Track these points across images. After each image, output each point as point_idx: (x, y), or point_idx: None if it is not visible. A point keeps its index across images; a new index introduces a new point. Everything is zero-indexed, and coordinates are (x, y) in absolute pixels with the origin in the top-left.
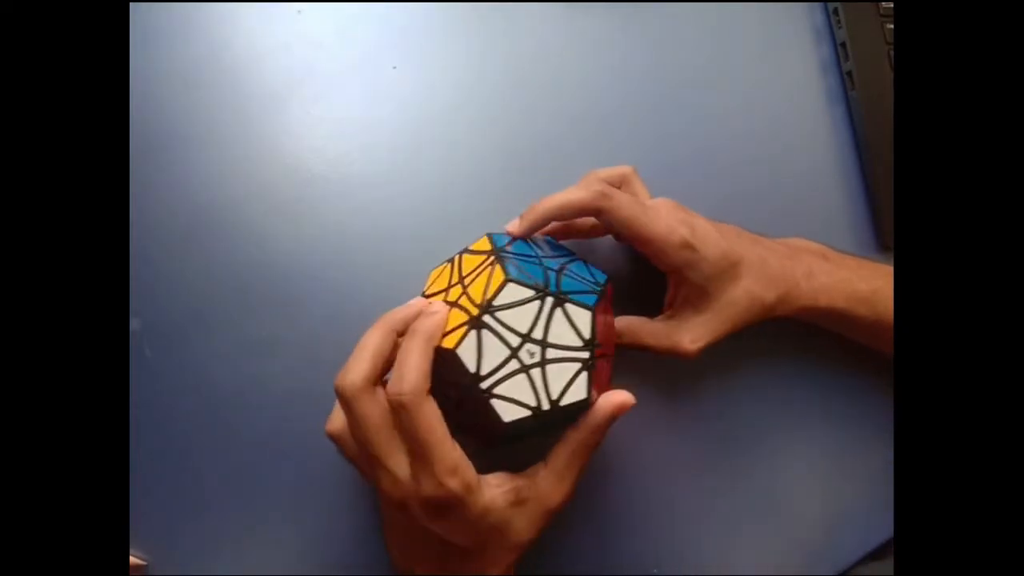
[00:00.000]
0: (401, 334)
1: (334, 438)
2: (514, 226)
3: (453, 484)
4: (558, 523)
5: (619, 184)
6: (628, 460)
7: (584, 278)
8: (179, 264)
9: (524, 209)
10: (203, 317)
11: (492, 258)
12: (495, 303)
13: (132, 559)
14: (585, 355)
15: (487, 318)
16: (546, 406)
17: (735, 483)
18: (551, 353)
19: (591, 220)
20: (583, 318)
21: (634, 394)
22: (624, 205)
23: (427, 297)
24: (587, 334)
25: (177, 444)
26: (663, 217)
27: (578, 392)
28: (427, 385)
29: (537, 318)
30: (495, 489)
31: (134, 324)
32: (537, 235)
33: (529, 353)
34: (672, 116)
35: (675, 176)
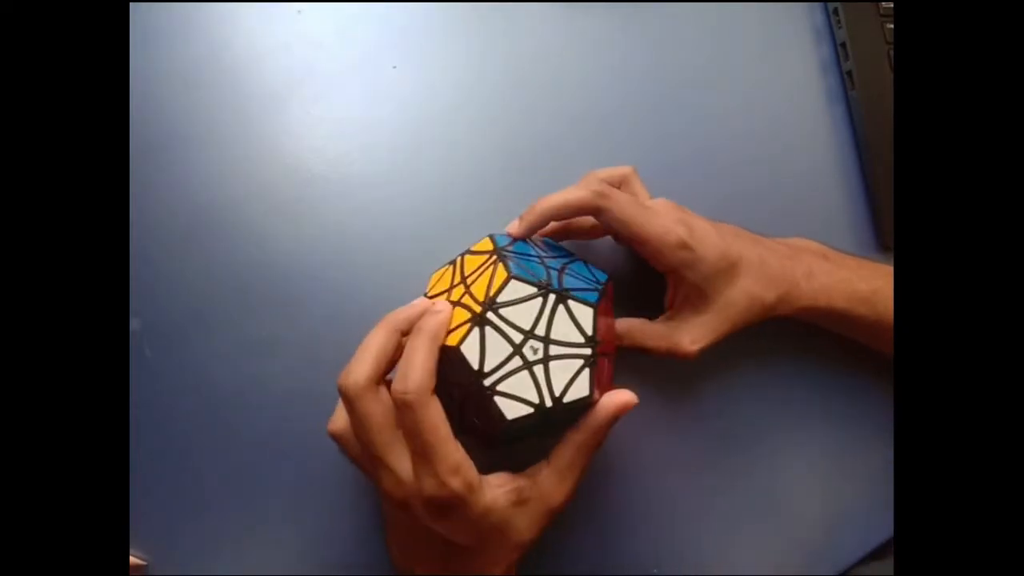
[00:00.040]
0: (405, 334)
1: (336, 438)
2: (514, 227)
3: (455, 484)
4: (559, 523)
5: (619, 184)
6: (628, 460)
7: (585, 277)
8: (179, 264)
9: (524, 209)
10: (203, 317)
11: (494, 257)
12: (498, 300)
13: (132, 559)
14: (587, 351)
15: (490, 315)
16: (549, 403)
17: (735, 483)
18: (554, 350)
19: (590, 220)
20: (585, 315)
21: (635, 394)
22: (621, 205)
23: (429, 298)
24: (589, 330)
25: (177, 444)
26: (660, 217)
27: (581, 389)
28: (432, 384)
29: (540, 315)
30: (497, 489)
31: (134, 324)
32: (536, 237)
33: (532, 350)
34: (672, 116)
35: (675, 176)
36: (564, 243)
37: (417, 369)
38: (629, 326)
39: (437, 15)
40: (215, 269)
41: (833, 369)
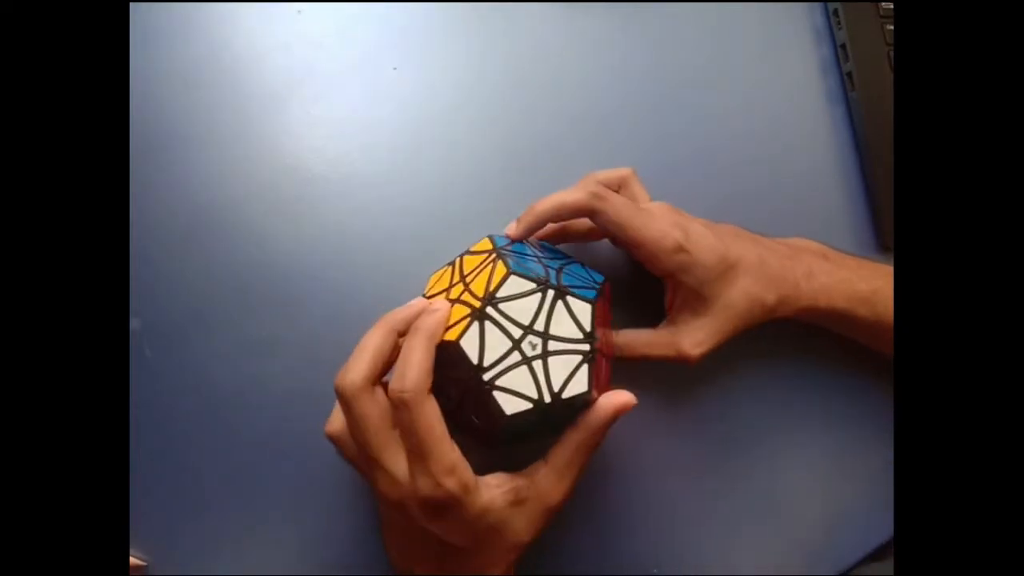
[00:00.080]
0: (402, 334)
1: (333, 439)
2: (512, 229)
3: (450, 484)
4: (558, 523)
5: (618, 186)
6: (628, 460)
7: (583, 277)
8: (179, 264)
9: (523, 210)
10: (203, 317)
11: (493, 255)
12: (498, 295)
13: (132, 559)
14: (586, 348)
15: (490, 310)
16: (548, 399)
17: (735, 483)
18: (552, 345)
19: (587, 222)
20: (584, 311)
21: (634, 395)
22: (617, 208)
23: (428, 299)
24: (588, 327)
25: (177, 444)
26: (656, 221)
27: (579, 385)
28: (429, 383)
29: (539, 310)
30: (494, 490)
31: (134, 324)
32: (533, 240)
33: (531, 345)
34: (672, 116)
35: (675, 176)
36: (563, 247)
37: (414, 368)
38: (629, 337)
39: (437, 15)
40: (215, 269)
41: (833, 370)
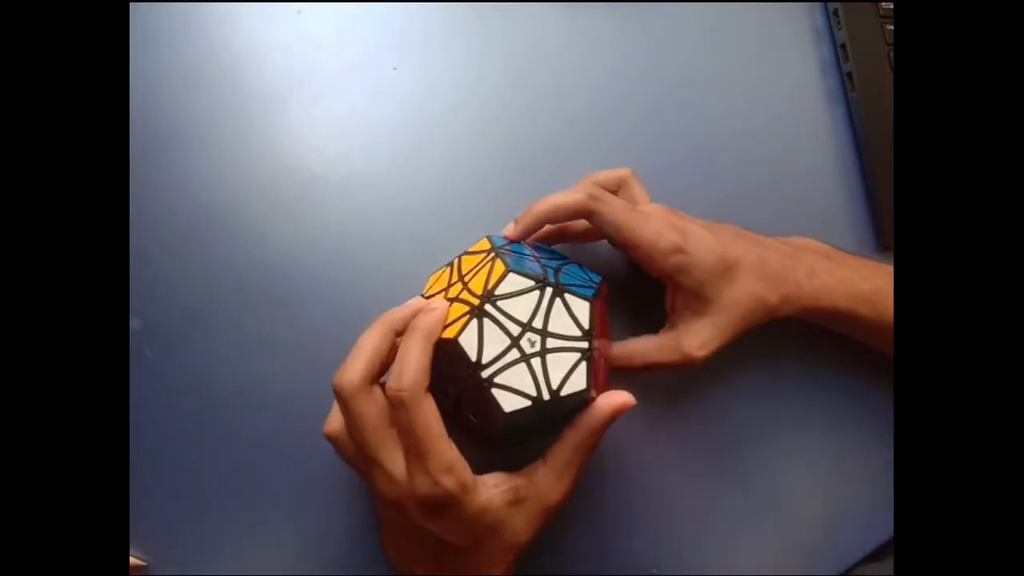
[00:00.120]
0: (399, 333)
1: (332, 439)
2: (509, 230)
3: (448, 483)
4: (558, 523)
5: (617, 187)
6: (628, 460)
7: (581, 276)
8: (179, 264)
9: (522, 211)
10: (203, 317)
11: (492, 254)
12: (496, 292)
13: (132, 559)
14: (584, 345)
15: (488, 307)
16: (546, 396)
17: (735, 483)
18: (551, 343)
19: (584, 223)
20: (582, 309)
21: (633, 394)
22: (613, 209)
23: (426, 299)
24: (586, 324)
25: (177, 444)
26: (653, 222)
27: (578, 382)
28: (426, 381)
29: (537, 308)
30: (492, 489)
31: (134, 324)
32: (531, 242)
33: (530, 342)
34: (672, 116)
35: (675, 176)
36: (561, 249)
37: (411, 367)
38: (632, 347)
39: (437, 15)
40: (215, 269)
41: (833, 370)
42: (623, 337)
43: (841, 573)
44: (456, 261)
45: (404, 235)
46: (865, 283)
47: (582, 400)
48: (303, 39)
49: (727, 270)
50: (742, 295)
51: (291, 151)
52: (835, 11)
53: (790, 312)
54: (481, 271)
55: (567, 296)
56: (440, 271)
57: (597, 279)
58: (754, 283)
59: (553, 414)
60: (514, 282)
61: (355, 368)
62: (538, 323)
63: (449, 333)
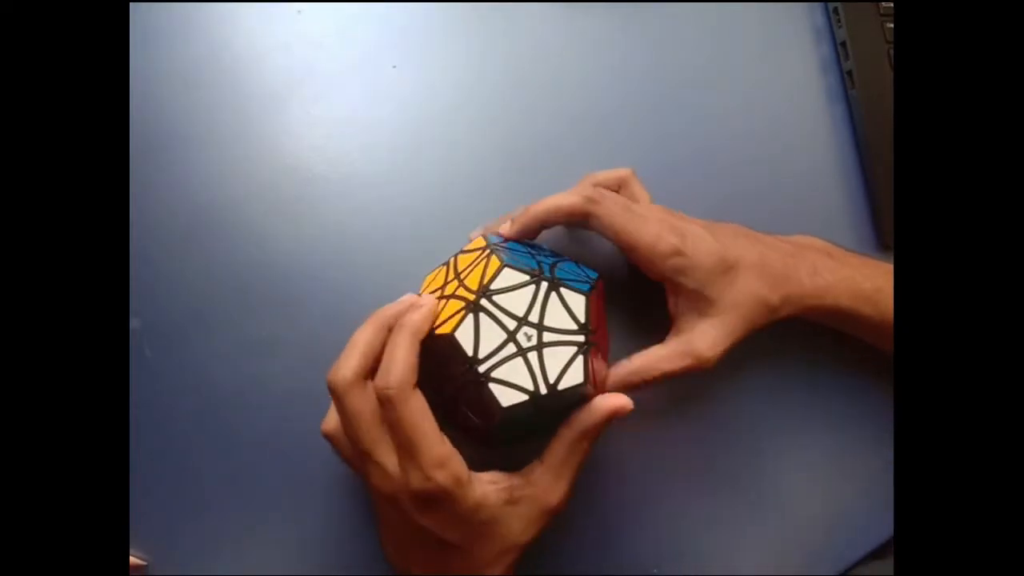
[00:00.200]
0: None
1: (329, 437)
2: (505, 228)
3: (441, 477)
4: (558, 523)
5: (617, 187)
6: (628, 460)
7: (576, 272)
8: (179, 264)
9: (519, 210)
10: (203, 317)
11: (487, 251)
12: (492, 287)
13: (132, 559)
14: (581, 339)
15: (484, 302)
16: (544, 390)
17: (735, 483)
18: (547, 336)
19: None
20: (578, 303)
21: (632, 396)
22: (611, 211)
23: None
24: (582, 318)
25: (177, 444)
26: (651, 225)
27: (575, 376)
28: (414, 378)
29: (533, 302)
30: (488, 486)
31: (134, 324)
32: (526, 241)
33: (526, 336)
34: (672, 116)
35: (675, 176)
36: (558, 247)
37: (398, 364)
38: (642, 360)
39: (437, 15)
40: (215, 269)
41: (833, 370)
42: (622, 337)
43: (841, 573)
44: (452, 260)
45: (404, 235)
46: (867, 282)
47: (580, 394)
48: (303, 39)
49: (727, 270)
50: (744, 294)
51: (291, 151)
52: (835, 10)
53: (792, 311)
54: (476, 267)
55: (563, 290)
56: (436, 270)
57: (593, 275)
58: (755, 282)
59: (551, 409)
60: (509, 277)
61: (348, 365)
62: (534, 317)
63: (445, 329)
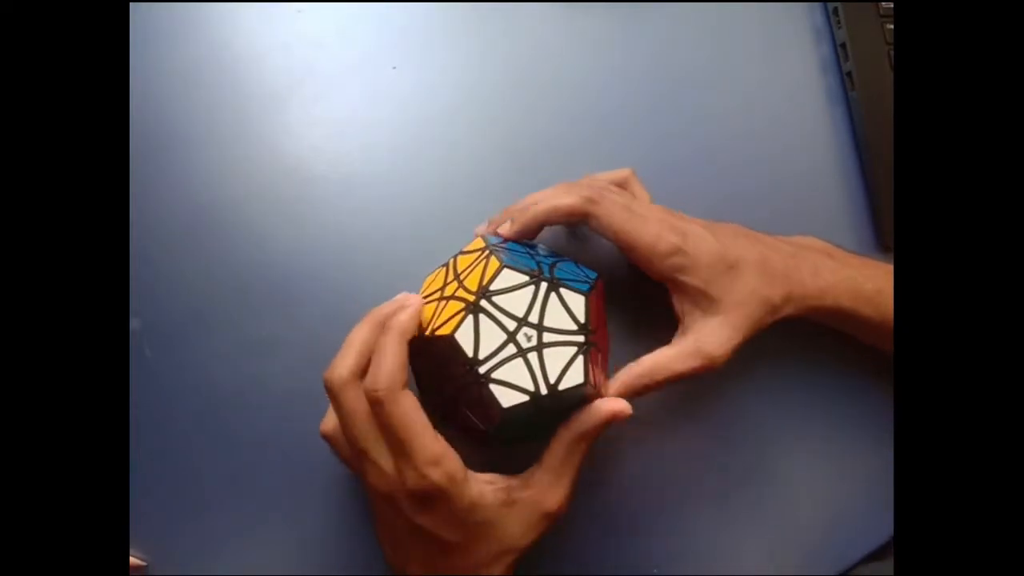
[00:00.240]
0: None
1: (328, 438)
2: (505, 228)
3: (435, 475)
4: (558, 522)
5: (618, 187)
6: (628, 460)
7: (576, 272)
8: (179, 264)
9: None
10: (203, 317)
11: (486, 252)
12: (491, 288)
13: (132, 559)
14: (580, 339)
15: (484, 303)
16: (544, 391)
17: (735, 483)
18: (547, 337)
19: None
20: (578, 303)
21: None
22: (611, 211)
23: (422, 298)
24: (582, 318)
25: (177, 444)
26: (651, 224)
27: (575, 376)
28: (403, 378)
29: (533, 302)
30: (485, 485)
31: (134, 324)
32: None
33: (526, 337)
34: (672, 116)
35: (675, 176)
36: (557, 247)
37: (385, 365)
38: (652, 361)
39: (437, 15)
40: (215, 269)
41: (834, 370)
42: (622, 337)
43: (841, 573)
44: (452, 261)
45: (404, 235)
46: (868, 283)
47: (580, 394)
48: (303, 39)
49: (729, 269)
50: (747, 293)
51: (291, 151)
52: (835, 10)
53: (793, 311)
54: (476, 268)
55: (562, 291)
56: (436, 272)
57: (593, 275)
58: (757, 281)
59: (551, 409)
60: (509, 278)
61: (344, 364)
62: (534, 318)
63: (445, 330)
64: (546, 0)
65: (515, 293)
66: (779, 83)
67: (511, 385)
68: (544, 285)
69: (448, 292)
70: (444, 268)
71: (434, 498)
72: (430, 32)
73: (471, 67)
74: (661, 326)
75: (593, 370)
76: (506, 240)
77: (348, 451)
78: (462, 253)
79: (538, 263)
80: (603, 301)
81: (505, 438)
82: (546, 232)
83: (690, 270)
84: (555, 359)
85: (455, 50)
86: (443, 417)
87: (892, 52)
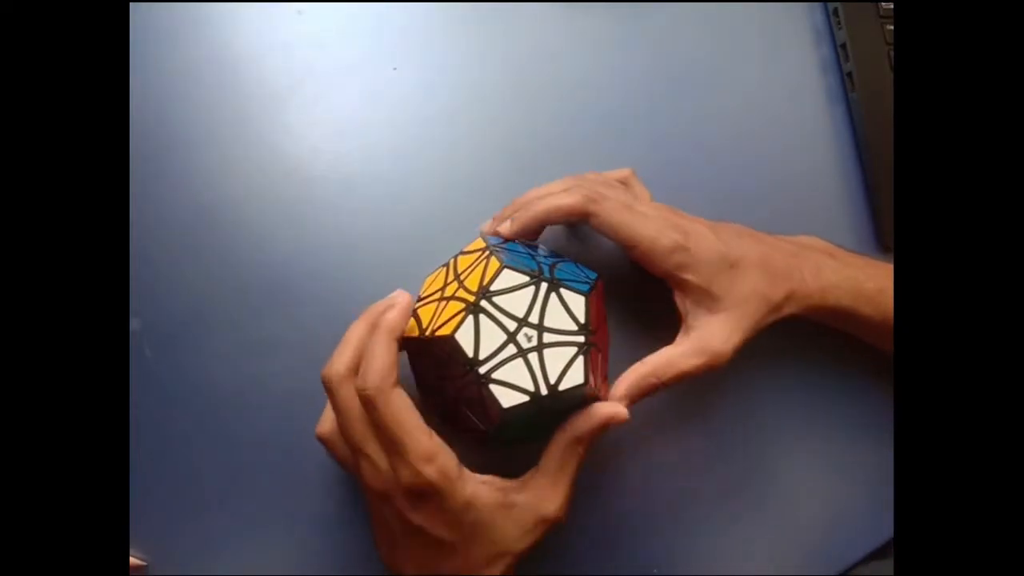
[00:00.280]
0: None
1: (323, 440)
2: (505, 227)
3: (429, 471)
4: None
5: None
6: (628, 459)
7: (576, 272)
8: (179, 264)
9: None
10: (203, 317)
11: (487, 252)
12: (491, 288)
13: (132, 559)
14: (581, 339)
15: (484, 303)
16: (544, 391)
17: (735, 483)
18: (548, 337)
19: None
20: (578, 303)
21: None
22: (612, 210)
23: (423, 299)
24: (582, 318)
25: (177, 444)
26: (653, 221)
27: (575, 377)
28: (393, 376)
29: (533, 303)
30: (481, 485)
31: (134, 324)
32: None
33: (526, 337)
34: (672, 116)
35: (675, 176)
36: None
37: (375, 363)
38: (660, 359)
39: (437, 15)
40: (215, 269)
41: (833, 370)
42: (623, 337)
43: (841, 573)
44: (452, 261)
45: (404, 235)
46: (870, 282)
47: (580, 395)
48: (303, 39)
49: (732, 266)
50: (749, 291)
51: (291, 151)
52: (835, 11)
53: (795, 310)
54: (476, 268)
55: (563, 291)
56: (436, 272)
57: (593, 275)
58: (758, 280)
59: (552, 409)
60: (509, 278)
61: (341, 360)
62: (534, 318)
63: (446, 330)
64: (546, 0)
65: (515, 293)
66: (779, 83)
67: (511, 385)
68: (544, 285)
69: (448, 292)
70: (444, 268)
71: (429, 495)
72: (430, 32)
73: (471, 67)
74: (661, 326)
75: (593, 370)
76: (506, 240)
77: (343, 452)
78: (462, 253)
79: (538, 263)
80: (603, 301)
81: (505, 438)
82: (546, 232)
83: (692, 267)
84: (555, 359)
85: (455, 50)
86: (443, 417)
87: (892, 52)
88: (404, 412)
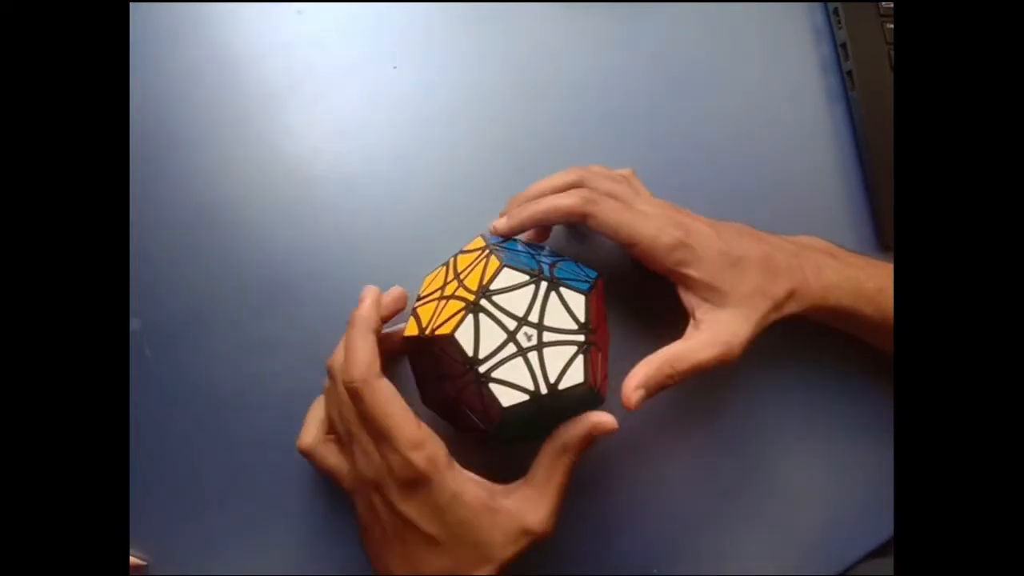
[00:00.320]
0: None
1: (305, 453)
2: (501, 224)
3: (418, 458)
4: (557, 523)
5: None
6: (628, 459)
7: (576, 272)
8: (179, 264)
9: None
10: (203, 317)
11: (487, 251)
12: (491, 288)
13: (132, 559)
14: (580, 338)
15: (484, 302)
16: (544, 390)
17: (735, 483)
18: (547, 336)
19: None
20: (577, 302)
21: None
22: (609, 210)
23: (422, 298)
24: (582, 317)
25: (177, 444)
26: (653, 219)
27: (575, 376)
28: (376, 366)
29: (533, 302)
30: (469, 482)
31: (134, 324)
32: (523, 239)
33: (526, 336)
34: (672, 116)
35: (675, 176)
36: (561, 247)
37: (357, 356)
38: (673, 351)
39: (437, 15)
40: (215, 269)
41: (833, 370)
42: (623, 336)
43: (841, 573)
44: (452, 260)
45: (404, 235)
46: (871, 282)
47: (580, 393)
48: (303, 39)
49: (731, 265)
50: (751, 289)
51: (291, 151)
52: (835, 10)
53: (796, 309)
54: (476, 268)
55: (562, 290)
56: (436, 271)
57: (593, 274)
58: (760, 278)
59: (551, 408)
60: (509, 277)
61: (342, 351)
62: (534, 317)
63: (445, 329)
64: (546, 0)
65: (515, 292)
66: (779, 83)
67: (511, 384)
68: (544, 284)
69: (448, 291)
70: (444, 267)
71: (418, 483)
72: (430, 32)
73: (471, 67)
74: (662, 325)
75: (593, 369)
76: (506, 239)
77: (325, 462)
78: (462, 252)
79: (538, 262)
80: (603, 300)
81: (505, 438)
82: None
83: (695, 264)
84: (555, 358)
85: (455, 50)
86: (443, 417)
87: (892, 52)
88: (390, 401)
